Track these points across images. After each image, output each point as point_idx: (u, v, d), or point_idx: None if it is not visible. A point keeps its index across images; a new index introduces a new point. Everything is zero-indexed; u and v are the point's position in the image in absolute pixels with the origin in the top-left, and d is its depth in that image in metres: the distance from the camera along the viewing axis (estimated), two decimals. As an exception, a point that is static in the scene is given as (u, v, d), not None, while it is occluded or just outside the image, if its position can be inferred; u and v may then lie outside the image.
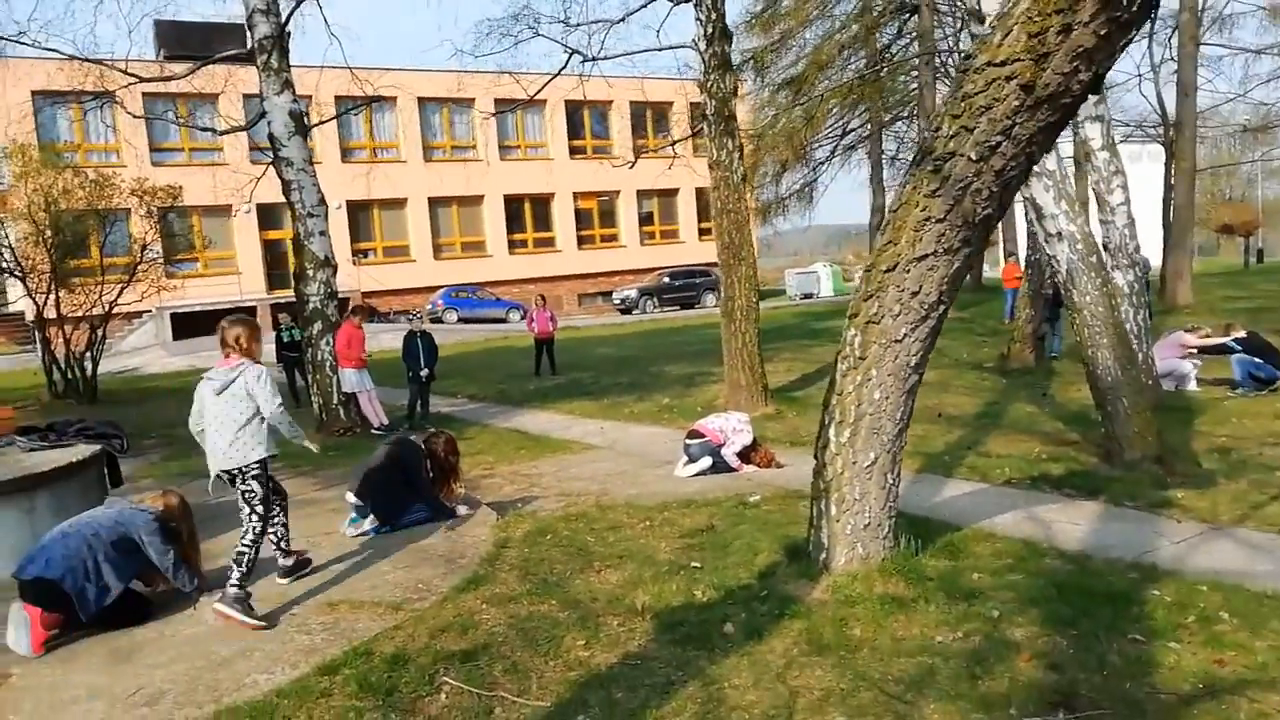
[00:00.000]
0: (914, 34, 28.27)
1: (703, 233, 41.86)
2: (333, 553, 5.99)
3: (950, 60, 30.03)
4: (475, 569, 5.38)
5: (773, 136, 26.41)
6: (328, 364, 11.45)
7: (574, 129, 38.87)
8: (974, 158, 3.77)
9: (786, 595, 4.76)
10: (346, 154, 34.72)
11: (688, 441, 8.09)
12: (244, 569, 4.83)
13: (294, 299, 12.15)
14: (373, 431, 11.12)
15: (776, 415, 10.99)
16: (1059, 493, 6.76)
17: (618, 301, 36.46)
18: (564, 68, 12.54)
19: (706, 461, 7.93)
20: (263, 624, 4.73)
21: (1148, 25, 30.34)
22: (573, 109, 37.96)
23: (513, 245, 37.69)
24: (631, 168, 15.26)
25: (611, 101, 37.28)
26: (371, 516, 6.40)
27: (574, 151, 38.90)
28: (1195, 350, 11.02)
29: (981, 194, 3.87)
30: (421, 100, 35.07)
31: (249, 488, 4.93)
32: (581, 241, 39.21)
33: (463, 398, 14.62)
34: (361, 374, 11.28)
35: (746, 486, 7.48)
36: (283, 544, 5.46)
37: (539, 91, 12.88)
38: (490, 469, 8.67)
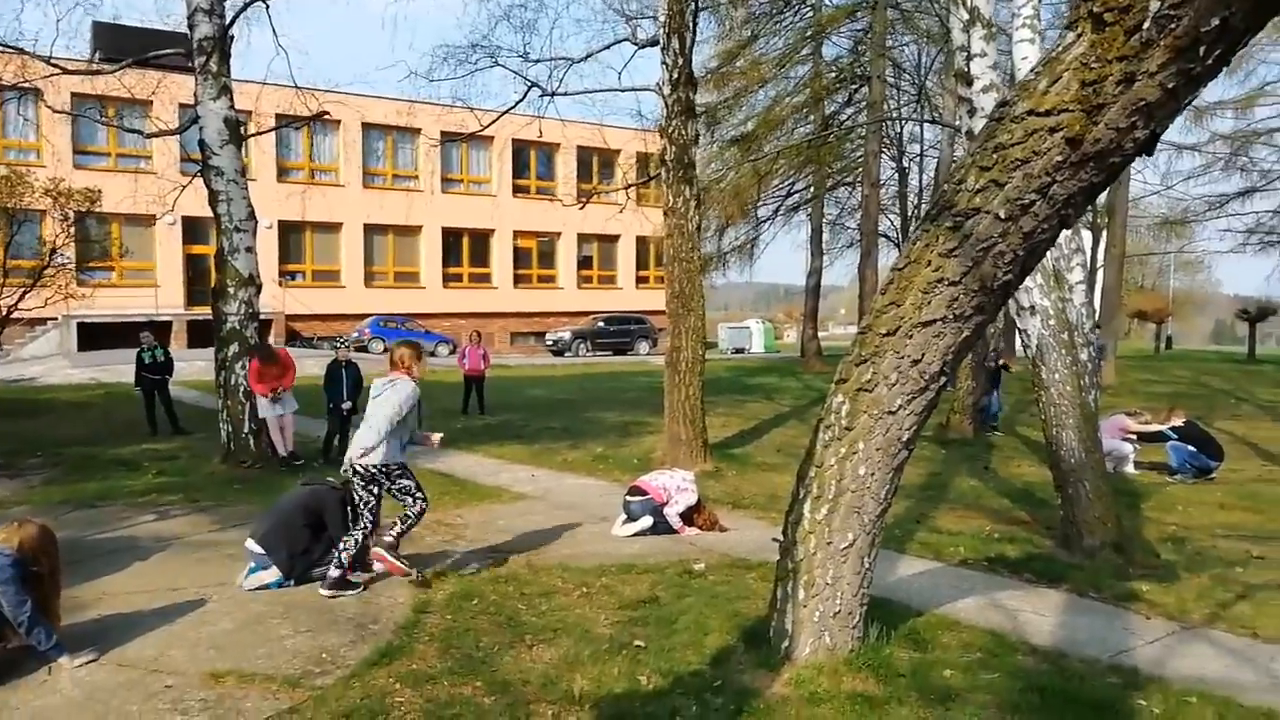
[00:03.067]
0: (863, 103, 28.75)
1: (640, 280, 41.69)
2: (225, 609, 5.25)
3: (897, 130, 30.64)
4: (390, 638, 4.71)
5: (719, 191, 26.37)
6: (241, 389, 10.60)
7: (519, 168, 38.44)
8: (1002, 216, 3.40)
9: (744, 687, 4.24)
10: (283, 173, 33.60)
11: (629, 498, 7.56)
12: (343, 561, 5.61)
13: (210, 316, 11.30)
14: (279, 465, 10.28)
15: (716, 473, 10.53)
16: (1018, 578, 6.41)
17: (551, 342, 35.89)
18: (522, 99, 12.13)
19: (647, 521, 7.40)
20: (360, 588, 5.62)
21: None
22: (520, 147, 37.54)
23: (448, 279, 36.84)
24: (582, 208, 14.86)
25: (559, 144, 37.04)
26: (274, 568, 5.68)
27: (517, 190, 38.44)
28: (1135, 435, 10.98)
29: (1005, 257, 3.50)
30: (366, 125, 34.29)
31: (386, 485, 5.81)
32: (518, 280, 38.58)
33: (385, 433, 13.79)
34: (279, 399, 10.45)
35: (690, 551, 6.97)
36: (343, 556, 5.63)
37: (492, 124, 12.42)
38: (411, 516, 7.95)
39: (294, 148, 34.14)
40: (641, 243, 39.83)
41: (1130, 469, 10.88)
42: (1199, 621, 5.51)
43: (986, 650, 4.93)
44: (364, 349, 32.31)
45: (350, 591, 5.56)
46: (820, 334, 32.14)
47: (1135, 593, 6.01)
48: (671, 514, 7.48)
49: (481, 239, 37.84)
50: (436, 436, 6.39)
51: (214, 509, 8.04)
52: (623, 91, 11.80)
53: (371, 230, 35.07)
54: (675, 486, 7.55)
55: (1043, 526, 7.95)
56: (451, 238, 36.98)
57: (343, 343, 11.21)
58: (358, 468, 5.67)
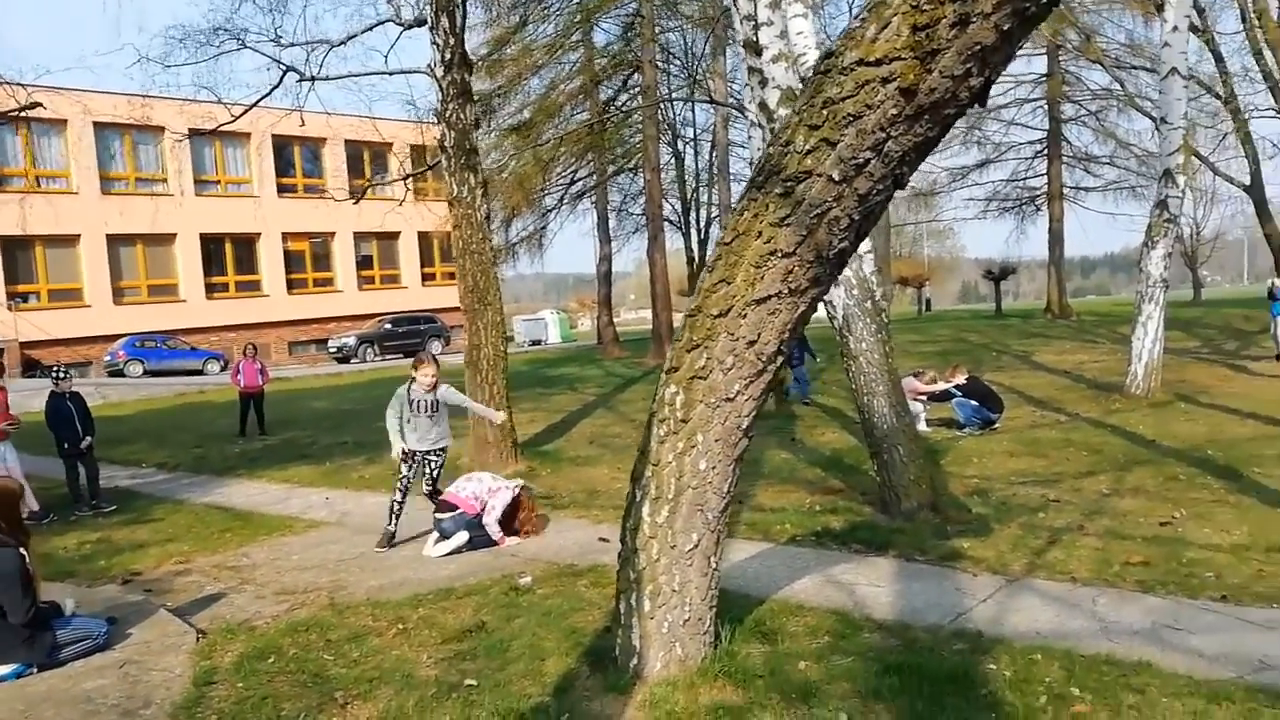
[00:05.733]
0: (637, 88, 28.92)
1: (426, 278, 40.16)
2: (-60, 714, 4.18)
3: (673, 115, 31.05)
4: (165, 726, 3.88)
5: (502, 181, 25.66)
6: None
7: (283, 165, 35.86)
8: (836, 178, 3.12)
9: (594, 716, 3.79)
10: (1, 181, 29.49)
11: (437, 515, 6.90)
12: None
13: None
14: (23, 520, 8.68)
15: (529, 473, 10.01)
16: (847, 549, 6.38)
17: (334, 350, 33.70)
18: (277, 85, 10.96)
19: (462, 537, 6.79)
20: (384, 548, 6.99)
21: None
22: (282, 144, 35.03)
23: (211, 289, 33.76)
24: (356, 203, 13.79)
25: (325, 138, 34.89)
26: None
27: (283, 189, 35.84)
28: (924, 395, 11.51)
29: (840, 223, 3.23)
30: (99, 125, 30.65)
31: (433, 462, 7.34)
32: (292, 285, 35.99)
33: (149, 467, 12.23)
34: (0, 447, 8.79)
35: (513, 564, 6.44)
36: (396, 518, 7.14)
37: (245, 113, 11.17)
38: (186, 562, 6.89)
39: (10, 152, 29.98)
40: (425, 238, 38.26)
41: (923, 427, 11.38)
42: (1020, 572, 5.64)
43: (834, 633, 4.76)
44: (119, 373, 29.04)
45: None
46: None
47: (957, 551, 6.10)
48: (491, 523, 6.90)
49: (246, 244, 34.99)
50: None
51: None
52: (391, 75, 10.91)
53: (116, 241, 31.50)
54: (486, 490, 6.97)
55: (858, 493, 8.05)
56: (212, 244, 33.94)
57: (62, 373, 9.49)
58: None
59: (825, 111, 3.09)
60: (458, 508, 6.83)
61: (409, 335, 34.91)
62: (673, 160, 35.58)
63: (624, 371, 23.08)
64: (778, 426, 12.27)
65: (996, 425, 10.99)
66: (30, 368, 28.54)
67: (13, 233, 28.73)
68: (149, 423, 17.83)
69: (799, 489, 8.45)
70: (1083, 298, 68.90)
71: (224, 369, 29.30)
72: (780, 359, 3.64)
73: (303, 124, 12.05)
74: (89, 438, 9.35)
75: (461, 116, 10.59)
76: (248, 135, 33.23)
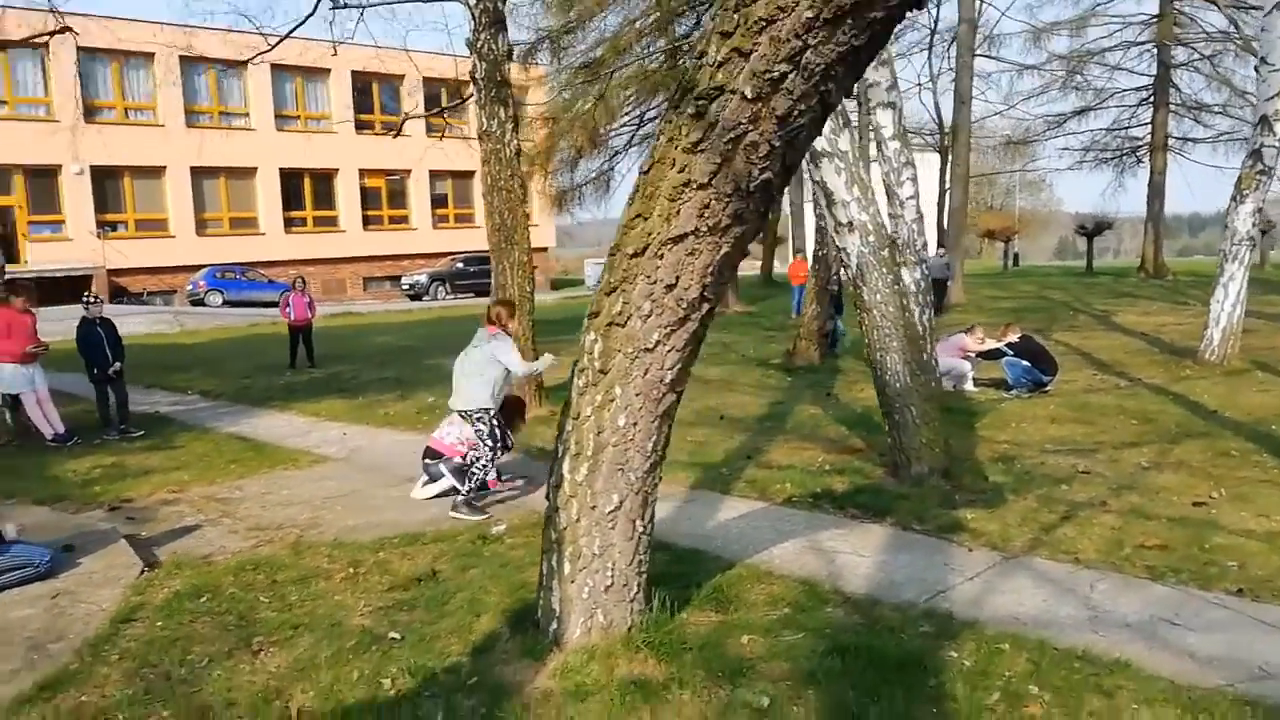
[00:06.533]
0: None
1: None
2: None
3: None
4: (67, 661, 3.80)
5: (568, 121, 25.23)
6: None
7: (361, 102, 36.07)
8: (749, 95, 2.71)
9: (501, 684, 3.57)
10: (92, 113, 30.39)
11: (425, 460, 6.74)
12: (473, 485, 6.24)
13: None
14: (48, 443, 8.92)
15: (551, 418, 9.81)
16: (843, 513, 6.00)
17: (406, 287, 34.17)
18: (312, 13, 10.77)
19: (449, 481, 6.62)
20: (486, 515, 6.09)
21: (928, 37, 31.61)
22: (361, 82, 35.26)
23: (289, 224, 34.46)
24: (442, 139, 13.56)
25: (404, 75, 34.89)
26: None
27: (361, 126, 36.12)
28: (974, 354, 10.87)
29: (759, 149, 2.82)
30: (185, 59, 31.21)
31: (478, 427, 6.37)
32: (368, 222, 36.49)
33: (194, 394, 12.49)
34: (27, 370, 8.97)
35: (497, 510, 6.27)
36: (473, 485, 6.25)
37: (281, 40, 11.02)
38: (179, 491, 6.92)
39: (102, 85, 30.86)
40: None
41: (970, 386, 10.78)
42: (1021, 549, 5.18)
43: (795, 604, 4.43)
44: (200, 302, 30.03)
45: (477, 516, 6.02)
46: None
47: (960, 522, 5.66)
48: (484, 463, 6.66)
49: (325, 179, 35.51)
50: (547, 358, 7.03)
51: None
52: (426, 2, 10.47)
53: (200, 174, 32.29)
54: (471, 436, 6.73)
55: (876, 454, 7.59)
56: (291, 179, 34.53)
57: (93, 299, 9.61)
58: (467, 412, 6.43)
59: (737, 16, 2.67)
60: (441, 454, 6.66)
61: (480, 275, 35.02)
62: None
63: (683, 318, 22.66)
64: (817, 381, 11.80)
65: (1049, 388, 10.31)
66: (117, 294, 29.70)
67: (106, 163, 29.86)
68: (213, 351, 18.31)
69: (816, 446, 8.04)
70: (1189, 257, 65.01)
71: (313, 301, 29.99)
72: (708, 306, 3.27)
73: (335, 53, 11.86)
74: (118, 363, 9.50)
75: (493, 46, 10.23)
76: (327, 71, 33.61)
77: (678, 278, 3.12)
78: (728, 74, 2.74)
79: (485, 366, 6.35)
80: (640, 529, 3.63)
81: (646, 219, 3.11)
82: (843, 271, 6.73)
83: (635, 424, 3.40)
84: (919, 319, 9.08)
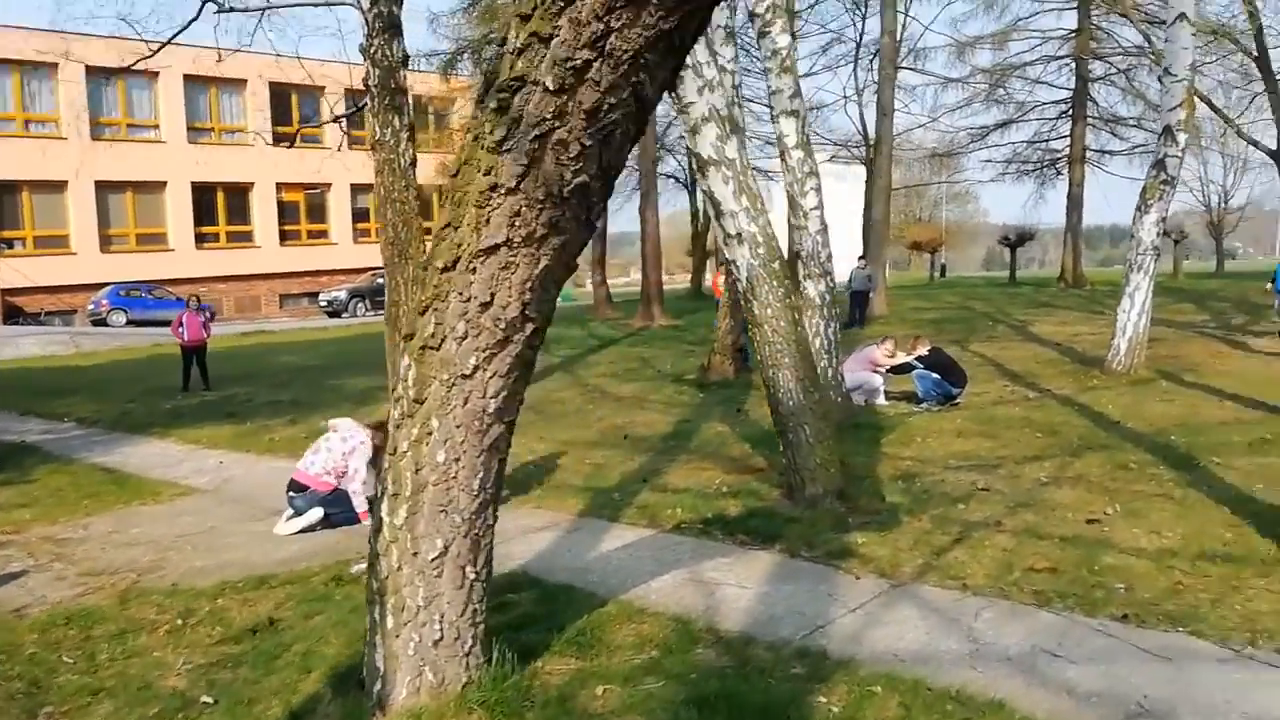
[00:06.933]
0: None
1: (426, 232, 39.37)
2: None
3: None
4: None
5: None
6: None
7: (281, 114, 35.02)
8: (551, 87, 2.38)
9: (313, 757, 3.16)
10: (-12, 124, 28.98)
11: (290, 494, 6.25)
12: None
13: None
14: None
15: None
16: (733, 539, 5.70)
17: (324, 304, 33.17)
18: (196, 18, 10.19)
19: (316, 514, 6.15)
20: None
21: (852, 51, 31.89)
22: (279, 91, 34.23)
23: (201, 239, 33.23)
24: (339, 150, 12.97)
25: (324, 87, 33.98)
26: None
27: (280, 138, 35.04)
28: (884, 368, 10.73)
29: (569, 149, 2.49)
30: (90, 69, 29.90)
31: None
32: (285, 237, 35.40)
33: (70, 421, 11.72)
34: None
35: (362, 545, 5.81)
36: None
37: (163, 47, 10.40)
38: (14, 533, 6.29)
39: (1, 94, 29.42)
40: (422, 191, 37.49)
41: (881, 400, 10.63)
42: (910, 575, 4.93)
43: (664, 646, 4.09)
44: (102, 322, 28.69)
45: None
46: (623, 279, 31.39)
47: (850, 547, 5.39)
48: (357, 494, 6.24)
49: (240, 193, 34.37)
50: None
51: None
52: (315, 5, 9.92)
53: (105, 188, 30.95)
54: (341, 456, 6.29)
55: (776, 473, 7.32)
56: (204, 193, 33.34)
57: None
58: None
59: (534, -4, 2.33)
60: (307, 486, 6.18)
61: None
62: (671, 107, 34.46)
63: (606, 333, 22.37)
64: (730, 396, 11.54)
65: (958, 400, 10.21)
66: (12, 315, 28.27)
67: (2, 177, 28.44)
68: (106, 374, 17.38)
69: (717, 467, 7.75)
70: (1110, 267, 66.90)
71: (210, 320, 28.87)
72: (532, 326, 2.92)
73: (220, 58, 11.28)
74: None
75: (388, 53, 9.78)
76: (244, 82, 32.59)
77: (493, 294, 2.77)
78: (528, 63, 2.41)
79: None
80: (472, 576, 3.25)
81: (457, 228, 2.75)
82: (733, 284, 6.46)
83: (458, 460, 3.03)
84: (824, 332, 8.89)
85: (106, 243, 31.12)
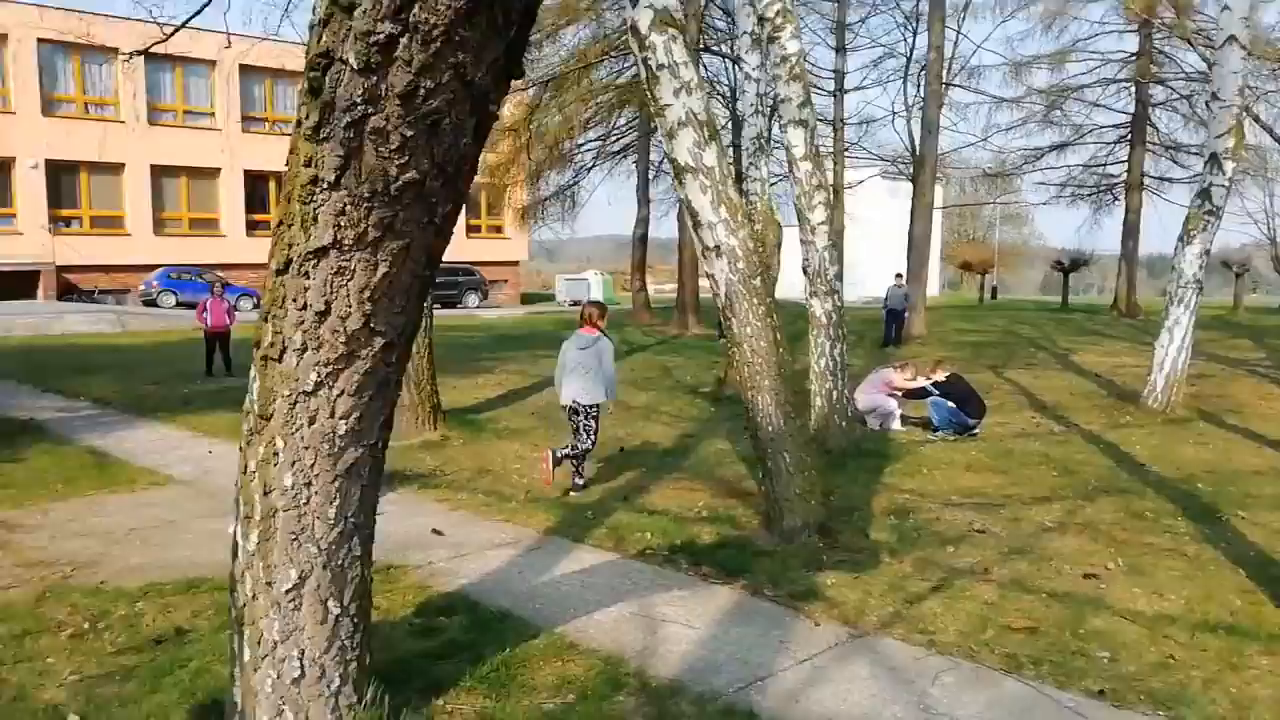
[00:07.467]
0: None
1: (471, 229, 39.49)
2: None
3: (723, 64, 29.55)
4: None
5: (532, 134, 24.66)
6: None
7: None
8: (357, 66, 2.09)
9: (152, 797, 2.89)
10: (50, 105, 29.70)
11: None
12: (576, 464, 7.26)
13: None
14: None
15: (441, 443, 9.17)
16: (696, 571, 5.34)
17: (367, 296, 33.29)
18: (209, 2, 10.13)
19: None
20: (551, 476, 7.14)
21: (903, 66, 31.16)
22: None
23: (252, 226, 33.70)
24: None
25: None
26: None
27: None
28: (900, 391, 10.25)
29: (388, 139, 2.19)
30: (150, 55, 30.48)
31: (588, 422, 7.14)
32: (333, 228, 35.72)
33: (85, 401, 11.74)
34: None
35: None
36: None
37: (177, 30, 10.38)
38: (-28, 517, 6.21)
39: (62, 76, 30.17)
40: (475, 189, 37.60)
41: (896, 425, 10.16)
42: (874, 625, 4.53)
43: (584, 690, 3.77)
44: (152, 303, 29.19)
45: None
46: (670, 285, 30.96)
47: (817, 589, 5.01)
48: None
49: (291, 183, 34.74)
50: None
51: None
52: None
53: (160, 172, 31.54)
54: None
55: (765, 500, 6.95)
56: (256, 181, 33.82)
57: None
58: (577, 406, 7.12)
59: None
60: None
61: (446, 286, 34.32)
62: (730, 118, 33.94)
63: (639, 339, 22.07)
64: (741, 412, 11.12)
65: (976, 431, 9.69)
66: (66, 291, 28.91)
67: (63, 158, 29.13)
68: (140, 355, 17.54)
69: (705, 488, 7.40)
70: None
71: (255, 307, 29.20)
72: (381, 341, 2.61)
73: (229, 44, 11.22)
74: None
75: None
76: (298, 74, 33.00)
77: (328, 303, 2.48)
78: (333, 36, 2.11)
79: (594, 364, 7.05)
80: (337, 611, 2.95)
81: (290, 226, 2.46)
82: (713, 298, 6.10)
83: (309, 484, 2.74)
84: (830, 352, 8.48)
85: (160, 225, 31.69)
